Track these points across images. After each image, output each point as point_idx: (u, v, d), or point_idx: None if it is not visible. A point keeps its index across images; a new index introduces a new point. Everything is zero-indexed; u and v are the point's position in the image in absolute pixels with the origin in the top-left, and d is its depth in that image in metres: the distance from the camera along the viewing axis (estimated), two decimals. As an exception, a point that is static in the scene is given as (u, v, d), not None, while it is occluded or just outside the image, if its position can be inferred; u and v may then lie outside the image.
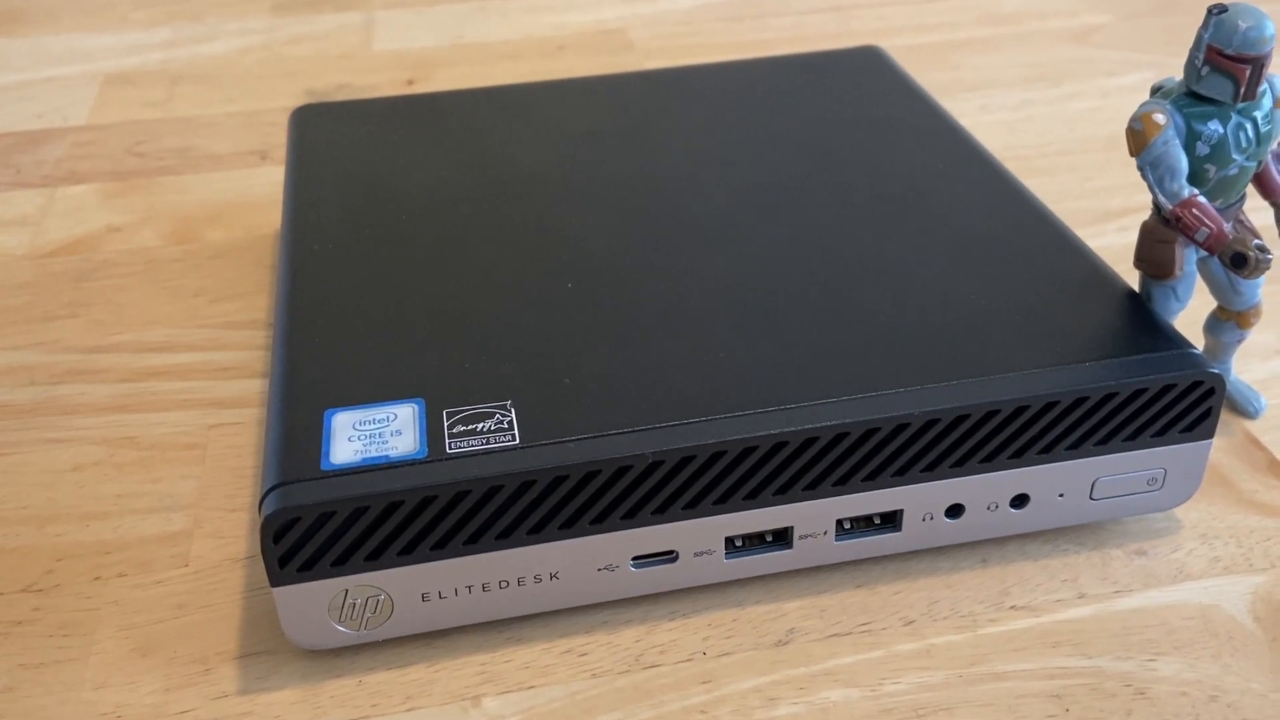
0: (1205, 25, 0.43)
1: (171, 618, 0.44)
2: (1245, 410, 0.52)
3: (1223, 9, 0.43)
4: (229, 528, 0.47)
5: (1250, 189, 0.47)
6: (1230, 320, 0.50)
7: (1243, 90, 0.43)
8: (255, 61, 0.87)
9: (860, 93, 0.62)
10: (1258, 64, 0.42)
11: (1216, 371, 0.43)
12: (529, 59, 0.88)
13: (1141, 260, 0.47)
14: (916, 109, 0.61)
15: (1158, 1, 0.96)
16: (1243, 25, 0.42)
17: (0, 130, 0.78)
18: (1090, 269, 0.48)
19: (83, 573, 0.45)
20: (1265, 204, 0.48)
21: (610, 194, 0.54)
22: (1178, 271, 0.46)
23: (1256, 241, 0.43)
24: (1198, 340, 0.52)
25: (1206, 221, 0.43)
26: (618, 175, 0.55)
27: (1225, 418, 0.52)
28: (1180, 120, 0.44)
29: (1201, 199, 0.43)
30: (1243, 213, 0.47)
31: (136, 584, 0.45)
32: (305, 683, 0.41)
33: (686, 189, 0.54)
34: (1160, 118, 0.44)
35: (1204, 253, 0.46)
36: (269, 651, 0.42)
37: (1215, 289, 0.49)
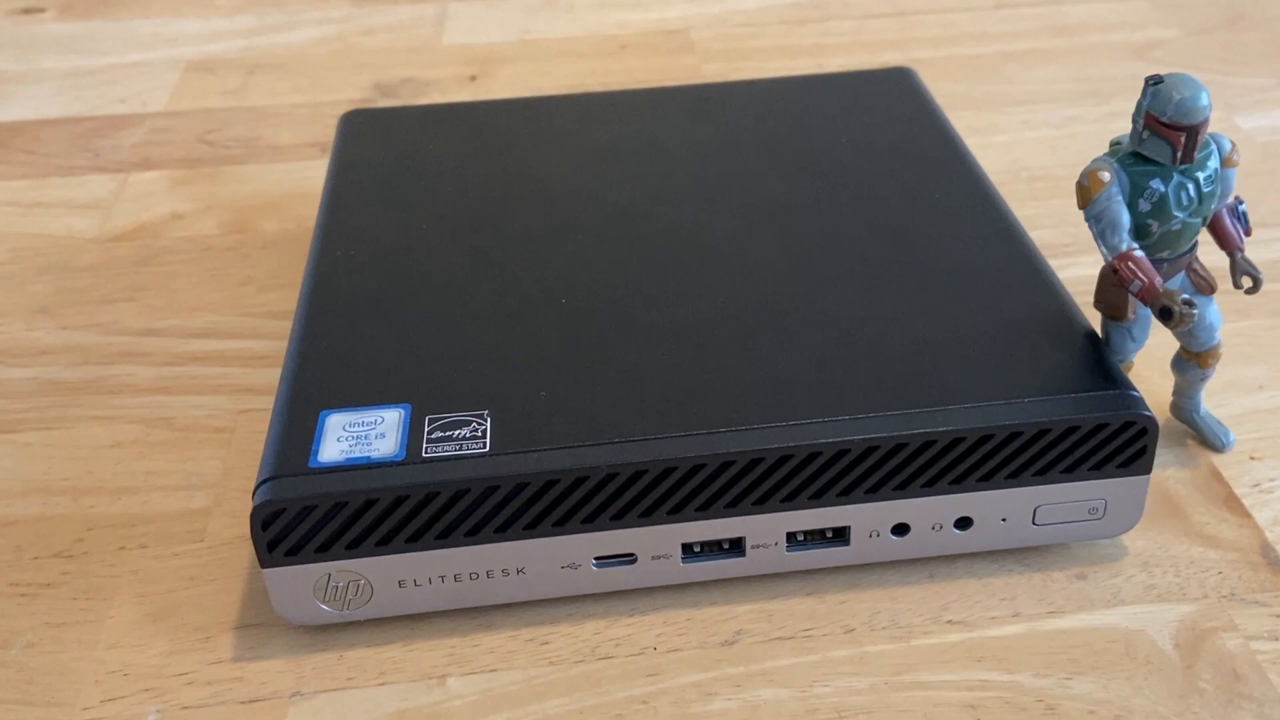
0: (1144, 94, 0.46)
1: (182, 588, 0.49)
2: (1213, 444, 0.54)
3: (1159, 80, 0.45)
4: (245, 508, 0.52)
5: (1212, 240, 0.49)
6: (1192, 360, 0.52)
7: (1179, 154, 0.45)
8: (329, 52, 0.92)
9: (881, 117, 0.65)
10: (1192, 131, 0.45)
11: (1149, 414, 0.46)
12: (590, 57, 0.91)
13: (1100, 302, 0.50)
14: (932, 137, 0.63)
15: (1227, 16, 0.96)
16: (1176, 96, 0.45)
17: (85, 113, 0.84)
18: (1057, 307, 0.51)
19: (109, 542, 0.51)
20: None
21: (619, 212, 0.57)
22: (1131, 315, 0.49)
23: (1183, 297, 0.45)
24: (1167, 376, 0.54)
25: (1140, 275, 0.46)
26: (630, 194, 0.59)
27: (1193, 450, 0.54)
28: (1125, 178, 0.46)
29: (1138, 253, 0.46)
30: (1196, 259, 0.49)
31: (155, 555, 0.50)
32: (291, 654, 0.46)
33: (691, 209, 0.57)
34: (1105, 175, 0.46)
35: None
36: (262, 624, 0.47)
37: (1174, 331, 0.51)
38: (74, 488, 0.53)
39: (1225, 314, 0.61)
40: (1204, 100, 0.45)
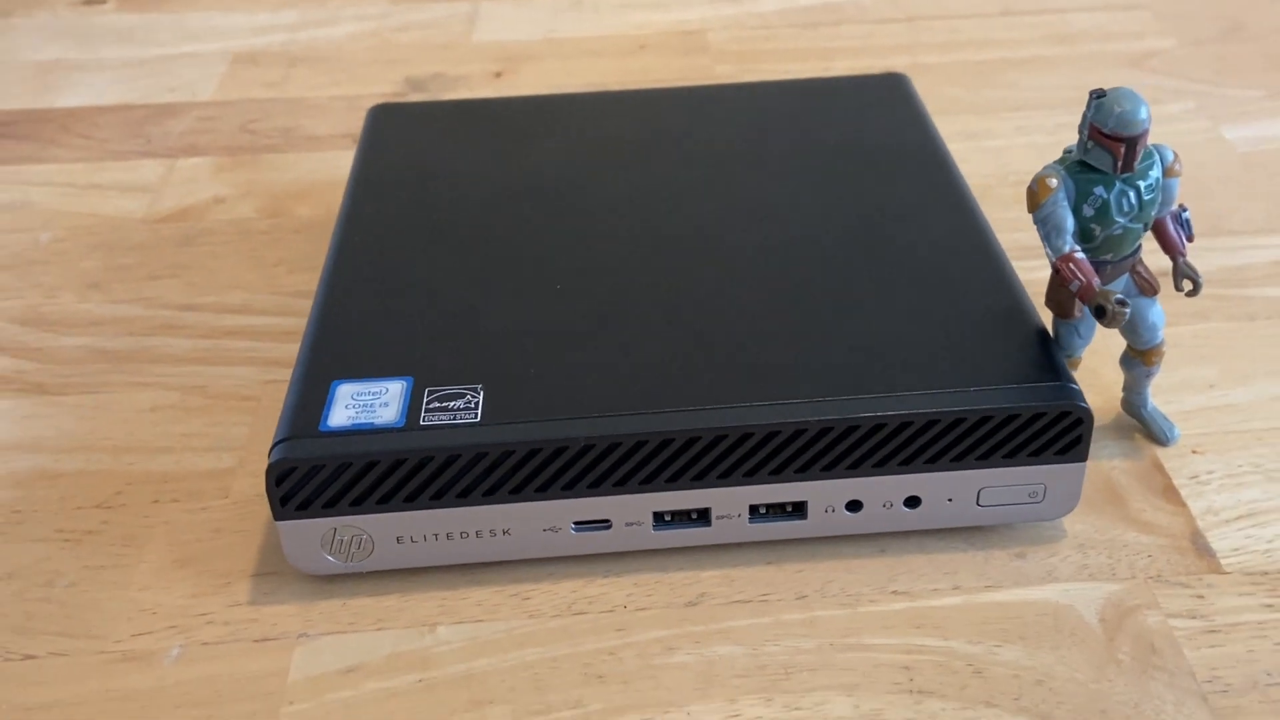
0: (1089, 106, 0.50)
1: (208, 539, 0.54)
2: (1158, 438, 0.58)
3: (1102, 93, 0.50)
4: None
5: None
6: (1137, 358, 0.56)
7: (1120, 164, 0.50)
8: (365, 47, 0.97)
9: (870, 121, 0.69)
10: (1131, 142, 0.49)
11: (1085, 405, 0.50)
12: (610, 56, 0.96)
13: (1050, 301, 0.54)
14: (917, 140, 0.68)
15: (1226, 28, 0.99)
16: (1117, 109, 0.49)
17: (139, 101, 0.90)
18: (1012, 305, 0.55)
19: (145, 496, 0.56)
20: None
21: (616, 206, 0.62)
22: (1077, 313, 0.53)
23: (1117, 296, 0.49)
24: (1120, 373, 0.59)
25: (1079, 275, 0.50)
26: (627, 189, 0.63)
27: (1139, 443, 0.58)
28: (1071, 184, 0.51)
29: (1080, 255, 0.50)
30: (1140, 263, 0.53)
31: (186, 509, 0.56)
32: (301, 601, 0.51)
33: (683, 204, 0.62)
34: (1053, 181, 0.51)
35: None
36: (276, 573, 0.52)
37: (1120, 330, 0.55)
38: (115, 446, 0.59)
39: (1186, 317, 0.65)
40: (1143, 114, 0.49)
